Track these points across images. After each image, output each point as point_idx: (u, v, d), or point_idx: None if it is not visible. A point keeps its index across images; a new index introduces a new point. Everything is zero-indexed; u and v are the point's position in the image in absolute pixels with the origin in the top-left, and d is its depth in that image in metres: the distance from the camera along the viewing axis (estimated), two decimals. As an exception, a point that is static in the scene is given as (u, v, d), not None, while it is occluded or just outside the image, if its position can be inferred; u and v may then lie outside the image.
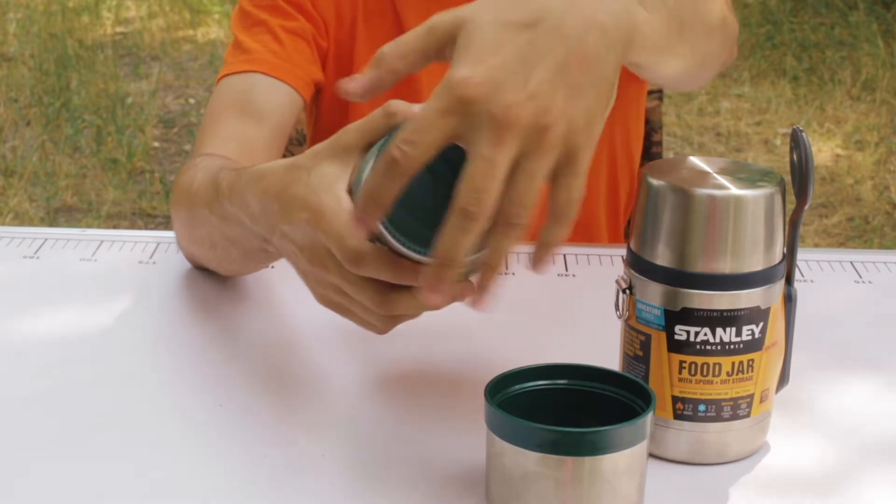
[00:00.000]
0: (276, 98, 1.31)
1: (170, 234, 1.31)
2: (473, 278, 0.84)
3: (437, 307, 0.85)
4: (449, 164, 0.81)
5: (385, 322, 0.91)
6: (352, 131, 0.88)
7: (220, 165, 1.10)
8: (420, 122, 0.77)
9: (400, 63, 0.83)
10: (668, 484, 0.90)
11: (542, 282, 1.23)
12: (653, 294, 0.91)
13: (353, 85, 0.83)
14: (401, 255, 0.85)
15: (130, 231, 1.43)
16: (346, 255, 0.85)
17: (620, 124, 1.46)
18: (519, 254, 1.21)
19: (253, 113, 1.29)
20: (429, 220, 0.83)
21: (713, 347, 0.90)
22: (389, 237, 0.84)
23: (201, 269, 1.24)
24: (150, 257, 1.29)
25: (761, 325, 0.90)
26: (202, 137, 1.28)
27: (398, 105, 0.87)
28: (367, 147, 0.88)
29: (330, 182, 0.87)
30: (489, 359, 1.07)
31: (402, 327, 0.92)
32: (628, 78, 0.99)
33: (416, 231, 0.84)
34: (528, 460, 0.81)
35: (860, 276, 1.27)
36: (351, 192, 0.87)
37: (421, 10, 1.36)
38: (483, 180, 0.76)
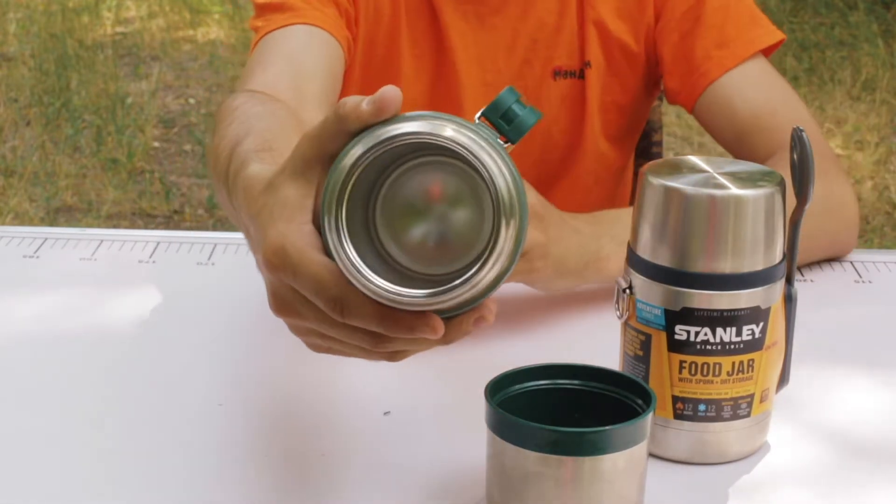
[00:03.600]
0: (326, 50, 1.29)
1: (170, 233, 1.31)
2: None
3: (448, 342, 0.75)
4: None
5: (391, 357, 0.78)
6: (307, 140, 0.77)
7: (247, 130, 0.99)
8: None
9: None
10: (668, 484, 0.90)
11: (542, 282, 1.23)
12: (653, 294, 0.91)
13: None
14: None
15: (130, 231, 1.43)
16: (327, 305, 0.73)
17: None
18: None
19: (302, 60, 1.27)
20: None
21: (713, 347, 0.90)
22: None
23: None
24: (150, 257, 1.29)
25: (761, 324, 0.90)
26: (249, 74, 1.25)
27: (348, 107, 0.74)
28: (326, 159, 0.76)
29: (292, 210, 0.76)
30: (489, 359, 1.07)
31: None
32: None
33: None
34: (528, 460, 0.81)
35: (860, 276, 1.26)
36: (316, 220, 0.76)
37: (458, 4, 1.36)
38: None
